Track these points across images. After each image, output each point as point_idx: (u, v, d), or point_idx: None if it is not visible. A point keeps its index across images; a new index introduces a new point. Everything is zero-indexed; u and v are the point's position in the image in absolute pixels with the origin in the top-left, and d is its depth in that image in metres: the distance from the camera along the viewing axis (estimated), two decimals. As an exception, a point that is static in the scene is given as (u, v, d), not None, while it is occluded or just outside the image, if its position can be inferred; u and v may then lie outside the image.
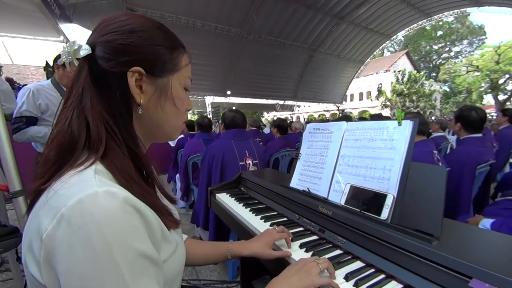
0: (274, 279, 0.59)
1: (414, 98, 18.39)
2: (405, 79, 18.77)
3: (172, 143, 3.99)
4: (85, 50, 0.43)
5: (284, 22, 11.18)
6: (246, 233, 0.97)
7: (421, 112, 17.53)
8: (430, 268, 0.57)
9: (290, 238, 0.79)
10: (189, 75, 0.55)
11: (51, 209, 0.35)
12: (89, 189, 0.35)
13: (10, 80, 5.29)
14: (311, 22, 11.71)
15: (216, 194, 1.36)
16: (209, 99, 14.80)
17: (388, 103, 19.05)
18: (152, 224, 0.40)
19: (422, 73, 19.71)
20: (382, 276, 0.63)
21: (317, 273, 0.58)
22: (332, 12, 11.47)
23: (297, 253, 0.76)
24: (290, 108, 18.83)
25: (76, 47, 0.43)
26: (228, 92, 13.16)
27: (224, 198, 1.29)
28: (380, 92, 20.38)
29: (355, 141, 0.92)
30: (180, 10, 9.17)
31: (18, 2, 4.36)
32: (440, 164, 1.60)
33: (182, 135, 3.95)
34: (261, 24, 10.79)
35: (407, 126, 0.78)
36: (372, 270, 0.66)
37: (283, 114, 20.72)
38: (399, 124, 0.80)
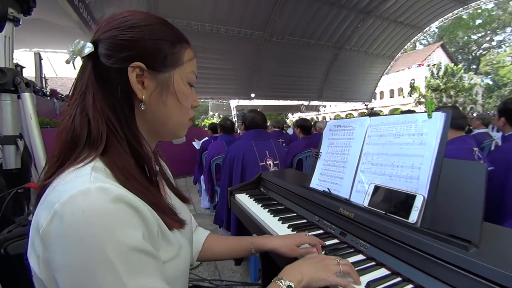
0: (287, 266, 0.56)
1: (452, 93, 16.98)
2: (441, 73, 17.38)
3: (197, 146, 4.09)
4: (88, 48, 0.43)
5: (307, 21, 11.00)
6: (263, 234, 0.94)
7: (461, 108, 16.18)
8: (467, 280, 0.49)
9: (321, 246, 0.73)
10: (193, 70, 0.53)
11: (48, 204, 0.35)
12: (81, 186, 0.35)
13: (54, 91, 5.81)
14: (336, 20, 11.38)
15: (236, 195, 1.34)
16: (234, 103, 15.03)
17: (423, 100, 17.82)
18: (148, 220, 0.39)
19: (460, 65, 18.10)
20: (410, 286, 0.56)
21: (335, 271, 0.55)
22: (357, 7, 11.05)
23: (316, 257, 0.71)
24: (316, 108, 18.46)
25: (80, 46, 0.43)
26: (252, 95, 13.24)
27: (243, 199, 1.27)
28: (413, 88, 19.12)
29: (379, 137, 0.85)
30: (205, 18, 9.45)
31: (60, 20, 4.78)
32: (482, 162, 1.43)
33: (206, 138, 4.04)
34: (283, 25, 10.73)
35: (439, 118, 0.70)
36: (399, 279, 0.59)
37: (308, 115, 20.32)
38: (429, 116, 0.73)
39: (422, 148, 0.71)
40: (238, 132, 6.48)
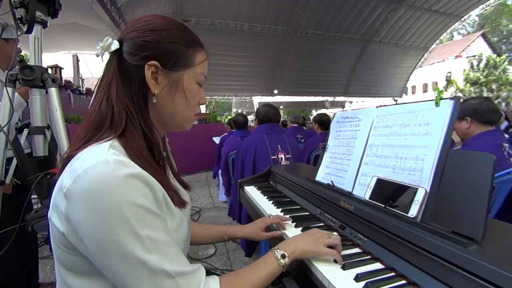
0: (282, 242, 0.64)
1: (493, 86, 15.39)
2: (481, 64, 15.80)
3: (217, 141, 4.17)
4: (115, 45, 0.50)
5: (333, 14, 10.60)
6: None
7: (504, 104, 14.67)
8: (463, 278, 0.45)
9: (288, 221, 0.86)
10: (203, 71, 0.58)
11: (72, 171, 0.42)
12: (101, 157, 0.42)
13: (90, 90, 6.25)
14: (364, 11, 10.82)
15: (245, 187, 1.36)
16: (257, 99, 15.04)
17: (460, 94, 16.40)
18: (156, 188, 0.45)
19: (503, 56, 16.21)
20: (403, 282, 0.54)
21: (325, 244, 0.62)
22: (387, -3, 10.43)
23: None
24: (341, 104, 17.84)
25: (108, 43, 0.50)
26: (275, 91, 13.14)
27: (251, 191, 1.29)
28: (449, 81, 17.68)
29: (385, 128, 0.81)
30: (229, 16, 9.50)
31: (95, 24, 5.10)
32: (514, 159, 1.29)
33: (226, 133, 4.10)
34: (308, 19, 10.44)
35: (446, 106, 0.65)
36: (392, 274, 0.56)
37: (333, 112, 19.74)
38: (437, 104, 0.68)
39: (427, 138, 0.66)
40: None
